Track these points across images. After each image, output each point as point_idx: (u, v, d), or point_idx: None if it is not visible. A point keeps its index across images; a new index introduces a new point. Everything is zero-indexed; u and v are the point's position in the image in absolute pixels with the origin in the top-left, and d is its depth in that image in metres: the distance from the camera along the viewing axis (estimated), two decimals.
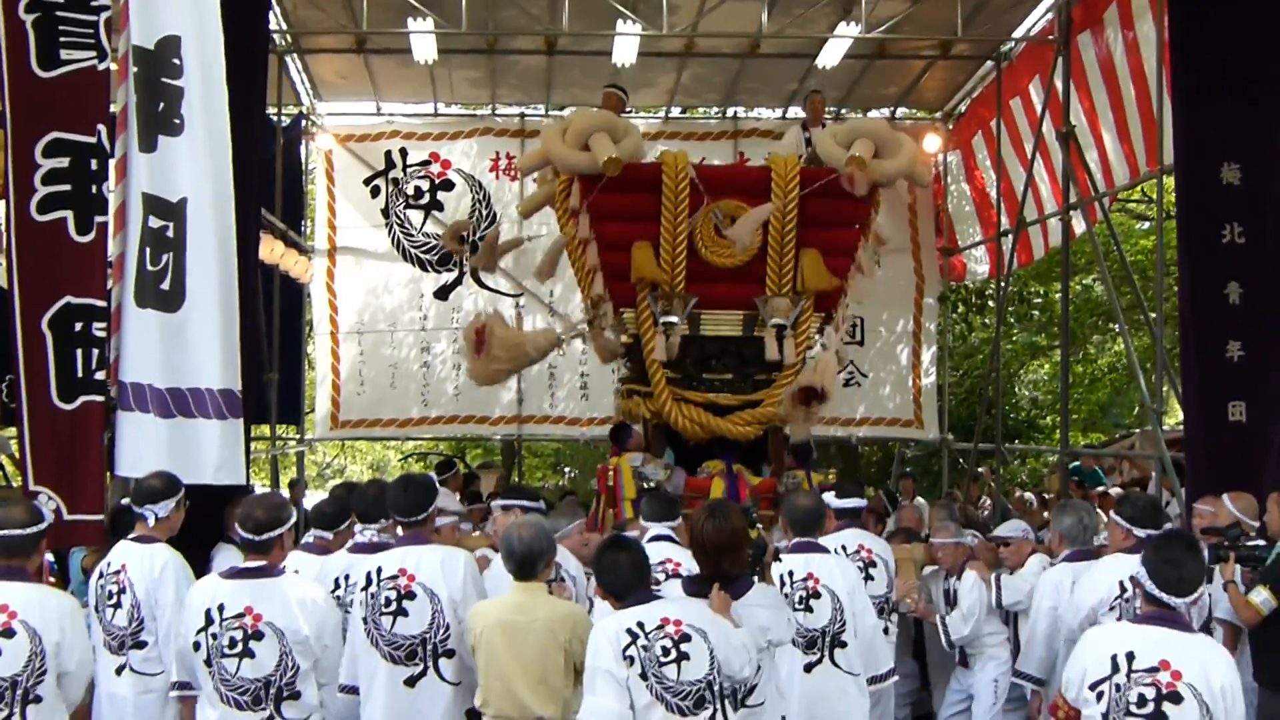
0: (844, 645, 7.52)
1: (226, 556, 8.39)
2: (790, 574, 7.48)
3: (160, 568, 7.27)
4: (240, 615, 6.29)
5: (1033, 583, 8.82)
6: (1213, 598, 7.77)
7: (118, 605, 7.30)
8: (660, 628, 5.46)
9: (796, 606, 7.35)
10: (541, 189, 12.49)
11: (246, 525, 6.44)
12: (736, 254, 11.07)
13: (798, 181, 11.08)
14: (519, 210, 15.64)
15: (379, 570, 6.93)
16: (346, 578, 7.62)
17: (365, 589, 6.94)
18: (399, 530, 7.41)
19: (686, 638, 5.46)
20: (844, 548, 8.47)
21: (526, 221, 16.44)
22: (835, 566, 7.56)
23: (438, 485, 7.84)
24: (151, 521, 7.45)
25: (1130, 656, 5.39)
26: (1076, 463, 18.51)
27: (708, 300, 11.23)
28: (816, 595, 7.41)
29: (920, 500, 16.72)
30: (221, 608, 6.31)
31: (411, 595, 6.83)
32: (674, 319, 11.04)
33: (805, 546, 7.59)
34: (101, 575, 7.47)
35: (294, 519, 6.74)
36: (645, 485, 11.17)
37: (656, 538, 7.78)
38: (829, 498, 8.83)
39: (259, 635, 6.27)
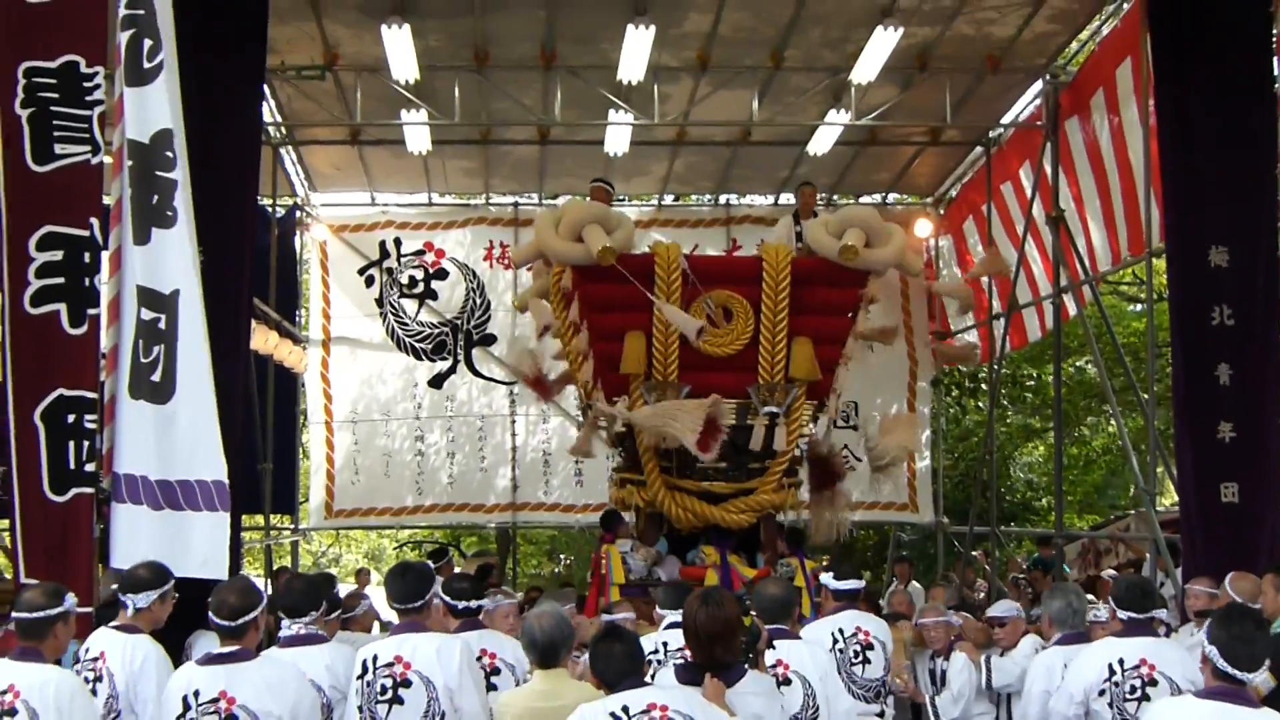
0: None
1: (205, 642, 8.32)
2: None
3: (142, 659, 7.21)
4: (215, 700, 6.27)
5: (1024, 665, 8.77)
6: None
7: (93, 693, 7.25)
8: (645, 712, 5.41)
9: None
10: (537, 281, 12.56)
11: (221, 612, 6.43)
12: (729, 344, 11.11)
13: (789, 271, 11.15)
14: (515, 304, 15.71)
15: (375, 658, 6.90)
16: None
17: (361, 677, 6.90)
18: (396, 618, 7.36)
19: None
20: (841, 630, 8.38)
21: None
22: (806, 652, 7.37)
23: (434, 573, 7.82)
24: (130, 611, 7.40)
25: None
26: (1037, 553, 18.46)
27: (700, 389, 11.21)
28: (786, 682, 7.25)
29: (915, 585, 16.67)
30: (197, 694, 6.29)
31: (407, 683, 6.79)
32: None
33: (774, 634, 7.51)
34: (78, 660, 7.43)
35: (264, 603, 6.72)
36: (629, 575, 11.22)
37: (673, 625, 7.68)
38: (826, 579, 8.78)
39: (233, 718, 6.26)
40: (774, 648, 8.20)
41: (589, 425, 12.67)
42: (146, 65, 8.96)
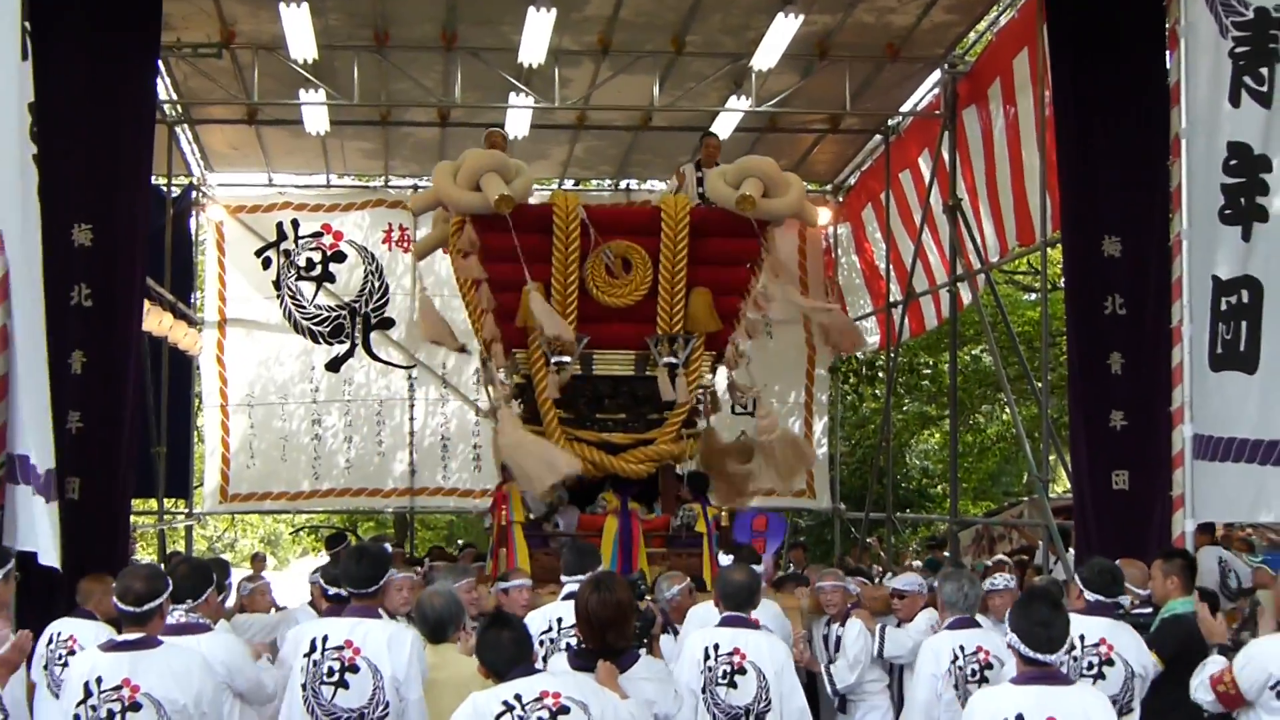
0: None
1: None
2: (715, 647, 7.18)
3: None
4: (118, 687, 6.14)
5: (917, 639, 8.85)
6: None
7: None
8: (539, 700, 5.39)
9: (719, 681, 7.06)
10: (434, 231, 12.41)
11: (126, 598, 6.31)
12: (627, 295, 11.09)
13: (688, 221, 11.17)
14: (413, 252, 15.50)
15: (325, 638, 6.78)
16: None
17: (309, 655, 6.77)
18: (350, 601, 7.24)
19: (565, 710, 5.39)
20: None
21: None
22: (764, 643, 7.27)
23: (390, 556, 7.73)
24: None
25: (1020, 718, 5.46)
26: (930, 556, 18.68)
27: (599, 340, 11.21)
28: (741, 671, 7.09)
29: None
30: (100, 680, 6.16)
31: (355, 668, 6.67)
32: (565, 359, 11.02)
33: (734, 621, 7.29)
34: None
35: (169, 589, 6.61)
36: (529, 514, 11.19)
37: (571, 595, 7.34)
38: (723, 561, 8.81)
39: (136, 706, 6.12)
40: (668, 633, 8.21)
41: (485, 383, 12.57)
42: None
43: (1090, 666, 7.13)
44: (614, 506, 11.07)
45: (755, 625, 7.46)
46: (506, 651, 5.60)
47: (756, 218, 11.14)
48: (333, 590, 7.93)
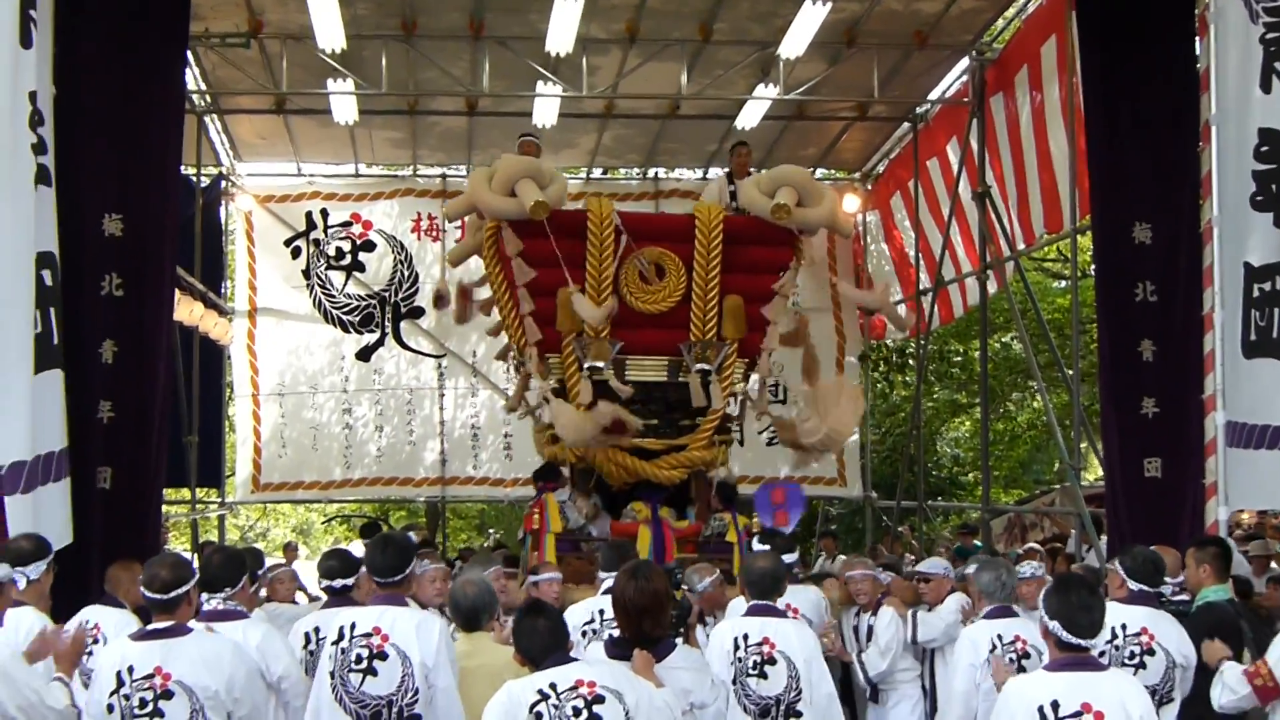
0: (799, 715, 7.21)
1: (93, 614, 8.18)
2: (745, 637, 7.22)
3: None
4: (150, 676, 6.17)
5: (948, 620, 8.93)
6: None
7: None
8: (573, 689, 5.39)
9: (750, 672, 7.11)
10: (470, 237, 12.44)
11: (153, 585, 6.32)
12: (661, 301, 11.11)
13: (721, 229, 11.16)
14: (448, 258, 15.55)
15: (353, 626, 6.77)
16: (316, 631, 7.61)
17: (336, 643, 6.78)
18: (375, 590, 7.28)
19: (600, 699, 5.39)
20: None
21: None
22: (793, 632, 7.30)
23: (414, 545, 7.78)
24: (23, 584, 7.33)
25: (1055, 705, 5.44)
26: (959, 543, 18.65)
27: (632, 346, 11.22)
28: (772, 661, 7.11)
29: (842, 559, 16.76)
30: (131, 669, 6.19)
31: (383, 655, 6.69)
32: (599, 364, 11.04)
33: (762, 610, 7.32)
34: None
35: (197, 577, 6.64)
36: (567, 525, 11.18)
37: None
38: (761, 550, 8.77)
39: (169, 694, 6.16)
40: (705, 623, 8.19)
41: (521, 383, 12.60)
42: None
43: (1132, 656, 7.11)
44: (645, 516, 11.10)
45: (783, 613, 7.45)
46: (542, 639, 5.60)
47: (791, 227, 11.15)
48: (325, 583, 7.98)
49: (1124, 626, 7.13)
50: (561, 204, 11.20)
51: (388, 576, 6.94)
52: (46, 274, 9.33)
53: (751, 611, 7.32)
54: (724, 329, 11.23)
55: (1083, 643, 5.53)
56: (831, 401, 11.95)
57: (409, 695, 6.63)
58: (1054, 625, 5.57)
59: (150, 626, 6.42)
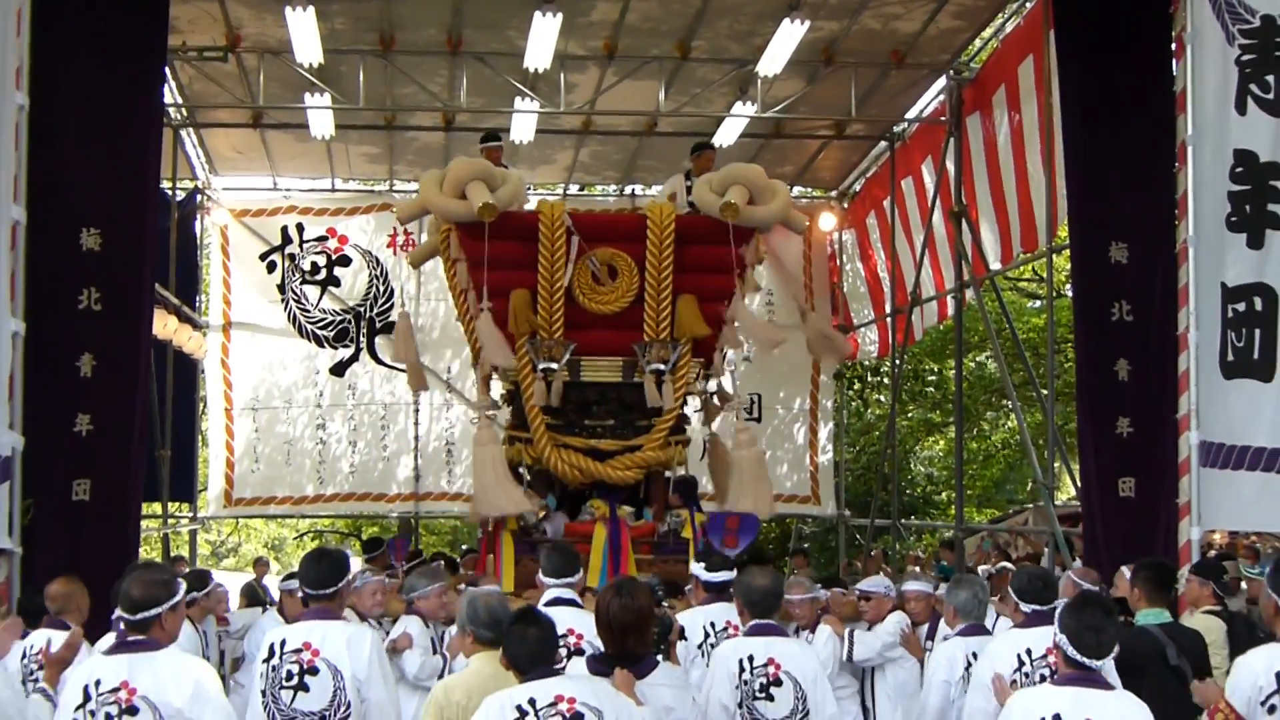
0: None
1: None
2: (750, 659, 6.96)
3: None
4: (116, 690, 6.11)
5: (885, 640, 8.95)
6: None
7: None
8: (553, 705, 5.37)
9: (757, 695, 6.89)
10: (431, 239, 12.47)
11: (124, 604, 6.26)
12: (614, 301, 11.15)
13: (673, 228, 11.20)
14: (409, 260, 15.55)
15: (283, 643, 6.74)
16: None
17: (267, 661, 6.75)
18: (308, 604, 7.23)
19: (579, 716, 5.38)
20: (713, 624, 8.12)
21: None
22: (799, 652, 7.13)
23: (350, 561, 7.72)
24: None
25: (1058, 719, 5.47)
26: (942, 561, 18.67)
27: (586, 347, 11.29)
28: (778, 683, 6.89)
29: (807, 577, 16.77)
30: (99, 683, 6.14)
31: (314, 670, 6.64)
32: (553, 365, 11.06)
33: (764, 629, 7.12)
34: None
35: (179, 596, 6.56)
36: (520, 522, 11.19)
37: (555, 601, 7.33)
38: (696, 569, 8.62)
39: (133, 710, 6.07)
40: (686, 639, 8.09)
41: (481, 381, 12.61)
42: None
43: (1042, 679, 6.92)
44: (602, 513, 11.10)
45: (785, 632, 7.38)
46: (531, 649, 5.58)
47: (740, 225, 11.18)
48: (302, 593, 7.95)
49: (1029, 651, 7.06)
50: (514, 205, 11.26)
51: (320, 589, 6.88)
52: None
53: (753, 631, 7.17)
54: (677, 328, 11.26)
55: (1089, 662, 5.55)
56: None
57: (341, 710, 6.58)
58: (1063, 640, 5.61)
59: (123, 640, 6.37)
